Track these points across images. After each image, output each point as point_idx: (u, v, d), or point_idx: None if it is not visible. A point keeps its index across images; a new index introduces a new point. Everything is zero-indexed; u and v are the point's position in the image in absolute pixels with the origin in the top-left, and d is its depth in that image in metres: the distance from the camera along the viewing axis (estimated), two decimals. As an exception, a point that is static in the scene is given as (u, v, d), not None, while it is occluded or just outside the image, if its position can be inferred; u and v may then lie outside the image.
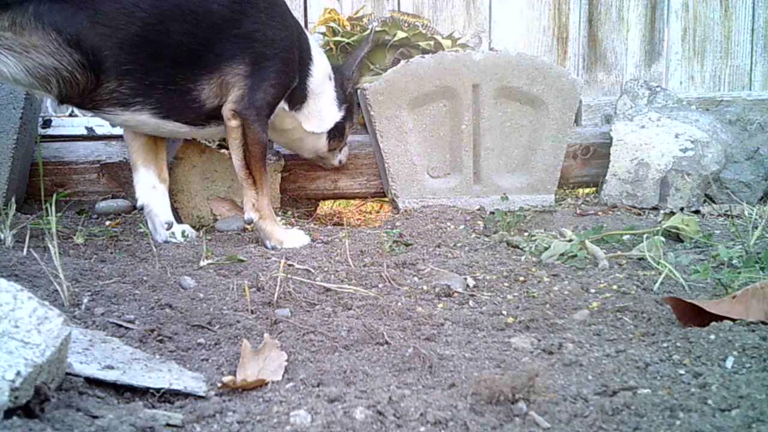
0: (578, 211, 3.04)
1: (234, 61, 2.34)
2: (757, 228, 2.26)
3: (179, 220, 2.78)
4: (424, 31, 3.25)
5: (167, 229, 2.54)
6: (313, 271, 2.05)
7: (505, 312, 1.75)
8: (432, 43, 3.21)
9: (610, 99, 3.58)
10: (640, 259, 2.17)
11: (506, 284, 1.99)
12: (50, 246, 1.80)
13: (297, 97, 2.64)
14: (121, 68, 2.22)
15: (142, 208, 2.59)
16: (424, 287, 1.95)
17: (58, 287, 1.71)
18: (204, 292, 1.86)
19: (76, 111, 3.27)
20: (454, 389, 1.25)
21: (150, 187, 2.58)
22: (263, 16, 2.41)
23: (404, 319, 1.69)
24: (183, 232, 2.56)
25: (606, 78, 3.70)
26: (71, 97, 2.24)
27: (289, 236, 2.46)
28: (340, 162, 3.05)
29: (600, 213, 3.02)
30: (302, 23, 3.46)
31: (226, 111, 2.38)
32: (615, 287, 1.91)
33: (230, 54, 2.33)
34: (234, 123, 2.38)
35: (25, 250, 2.07)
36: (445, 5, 3.56)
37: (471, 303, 1.84)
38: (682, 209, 3.03)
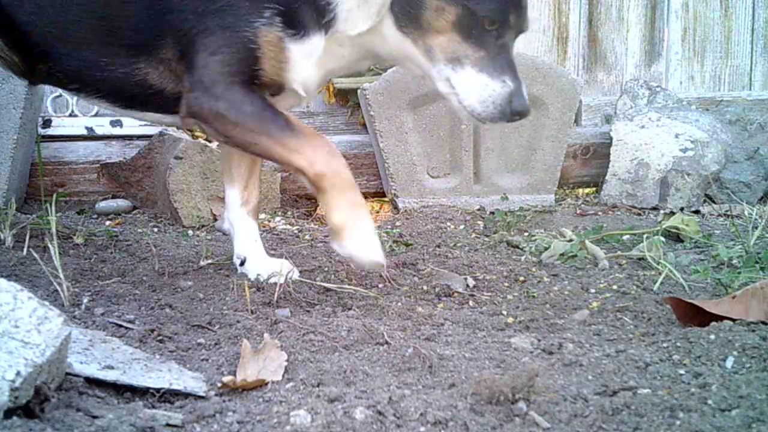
0: (578, 211, 3.04)
1: (161, 41, 1.83)
2: (757, 228, 2.26)
3: (181, 221, 2.78)
4: (424, 31, 3.24)
5: (240, 264, 2.06)
6: (313, 271, 2.05)
7: (505, 312, 1.75)
8: (432, 43, 3.21)
9: (610, 99, 3.58)
10: (640, 259, 2.17)
11: (506, 284, 1.99)
12: (50, 246, 1.80)
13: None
14: (36, 50, 1.90)
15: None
16: (424, 287, 1.95)
17: (58, 287, 1.71)
18: (204, 292, 1.86)
19: (76, 111, 3.27)
20: (454, 389, 1.25)
21: (234, 210, 2.11)
22: None
23: (404, 319, 1.69)
24: (258, 275, 2.00)
25: (606, 78, 3.70)
26: (19, 74, 2.01)
27: (356, 218, 1.72)
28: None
29: (600, 213, 3.02)
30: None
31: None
32: (615, 287, 1.91)
33: (151, 32, 1.82)
34: (190, 121, 1.85)
35: (25, 250, 2.07)
36: (445, 5, 3.56)
37: (471, 303, 1.84)
38: (682, 209, 3.03)
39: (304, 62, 1.79)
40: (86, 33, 1.88)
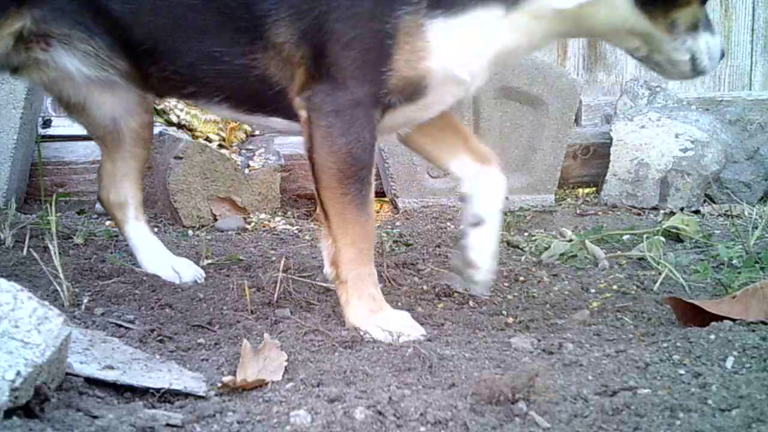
0: (578, 211, 3.04)
1: (274, 20, 1.56)
2: (757, 228, 2.26)
3: (181, 221, 2.77)
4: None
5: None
6: (313, 270, 2.05)
7: (505, 312, 1.75)
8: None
9: (610, 99, 3.58)
10: (640, 259, 2.17)
11: (506, 284, 1.99)
12: (50, 246, 1.80)
13: None
14: (141, 48, 1.67)
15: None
16: (424, 287, 1.95)
17: (58, 287, 1.71)
18: (204, 292, 1.86)
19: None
20: (454, 389, 1.25)
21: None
22: None
23: (404, 319, 1.69)
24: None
25: (606, 78, 3.70)
26: (136, 85, 1.79)
27: (377, 320, 1.59)
28: (694, 60, 1.69)
29: (600, 213, 3.02)
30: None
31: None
32: (615, 287, 1.91)
33: (264, 8, 1.57)
34: (303, 115, 1.59)
35: (25, 250, 2.07)
36: (445, 5, 3.56)
37: (471, 303, 1.84)
38: (682, 209, 3.03)
39: (463, 43, 1.55)
40: (191, 18, 1.64)
